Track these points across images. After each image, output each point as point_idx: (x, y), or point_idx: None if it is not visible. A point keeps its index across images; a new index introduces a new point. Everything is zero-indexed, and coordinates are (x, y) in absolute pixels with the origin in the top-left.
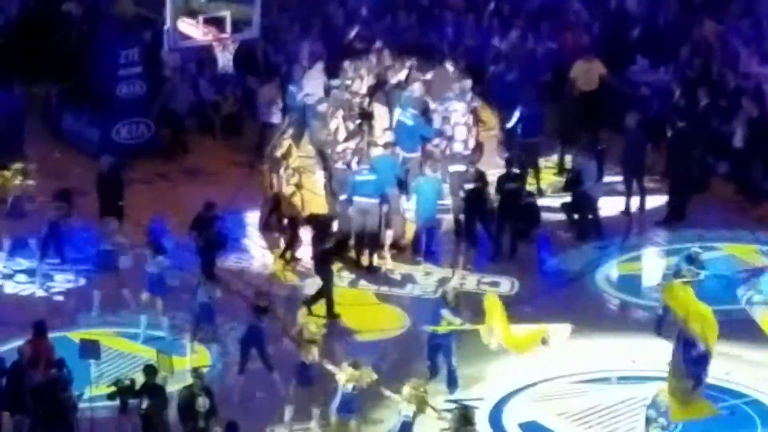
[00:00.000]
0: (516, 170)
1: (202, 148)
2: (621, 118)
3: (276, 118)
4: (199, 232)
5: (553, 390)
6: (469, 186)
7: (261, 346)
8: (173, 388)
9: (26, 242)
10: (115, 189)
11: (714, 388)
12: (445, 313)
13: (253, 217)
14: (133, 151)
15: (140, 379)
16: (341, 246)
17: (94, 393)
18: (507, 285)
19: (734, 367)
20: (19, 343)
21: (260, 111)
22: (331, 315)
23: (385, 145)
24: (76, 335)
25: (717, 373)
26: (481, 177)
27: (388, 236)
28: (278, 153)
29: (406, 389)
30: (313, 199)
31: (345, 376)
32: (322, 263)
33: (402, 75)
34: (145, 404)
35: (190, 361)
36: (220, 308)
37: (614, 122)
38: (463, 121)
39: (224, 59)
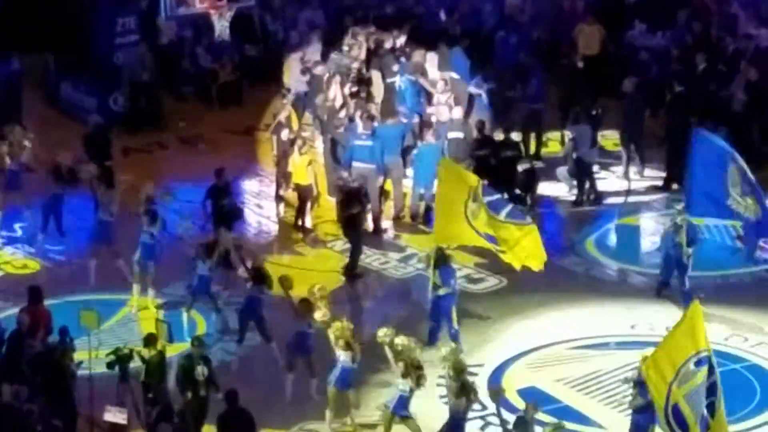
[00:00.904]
0: (514, 138)
1: (200, 116)
2: (619, 83)
3: (304, 87)
4: (214, 201)
5: (552, 356)
6: (480, 153)
7: (259, 318)
8: (171, 355)
9: (22, 212)
10: (102, 149)
11: (713, 353)
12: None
13: (250, 185)
14: (129, 117)
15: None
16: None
17: (93, 362)
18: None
19: (732, 332)
20: (15, 311)
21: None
22: (349, 274)
23: (394, 114)
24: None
25: (716, 338)
26: (489, 143)
27: (388, 206)
28: (282, 116)
29: (400, 339)
30: (315, 167)
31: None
32: (350, 227)
33: (399, 41)
34: (144, 373)
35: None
36: (220, 279)
37: (612, 87)
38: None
39: (221, 27)
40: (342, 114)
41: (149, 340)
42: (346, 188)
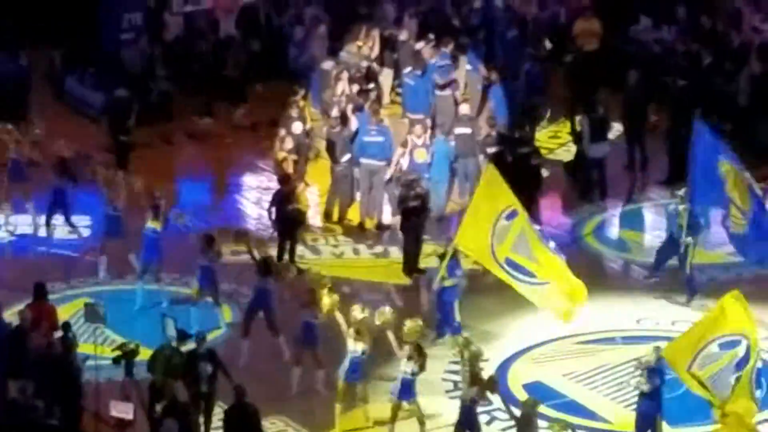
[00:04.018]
0: (523, 134)
1: (206, 112)
2: (623, 77)
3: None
4: (278, 208)
5: (557, 350)
6: (492, 150)
7: (269, 310)
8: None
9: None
10: (122, 123)
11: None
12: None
13: (255, 180)
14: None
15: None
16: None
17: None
18: None
19: None
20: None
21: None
22: (414, 270)
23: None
24: None
25: None
26: (503, 140)
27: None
28: (293, 112)
29: (408, 323)
30: (319, 162)
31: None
32: (407, 220)
33: (410, 32)
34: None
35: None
36: (225, 271)
37: (617, 81)
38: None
39: (227, 22)
40: (335, 113)
41: (182, 336)
42: (404, 181)
